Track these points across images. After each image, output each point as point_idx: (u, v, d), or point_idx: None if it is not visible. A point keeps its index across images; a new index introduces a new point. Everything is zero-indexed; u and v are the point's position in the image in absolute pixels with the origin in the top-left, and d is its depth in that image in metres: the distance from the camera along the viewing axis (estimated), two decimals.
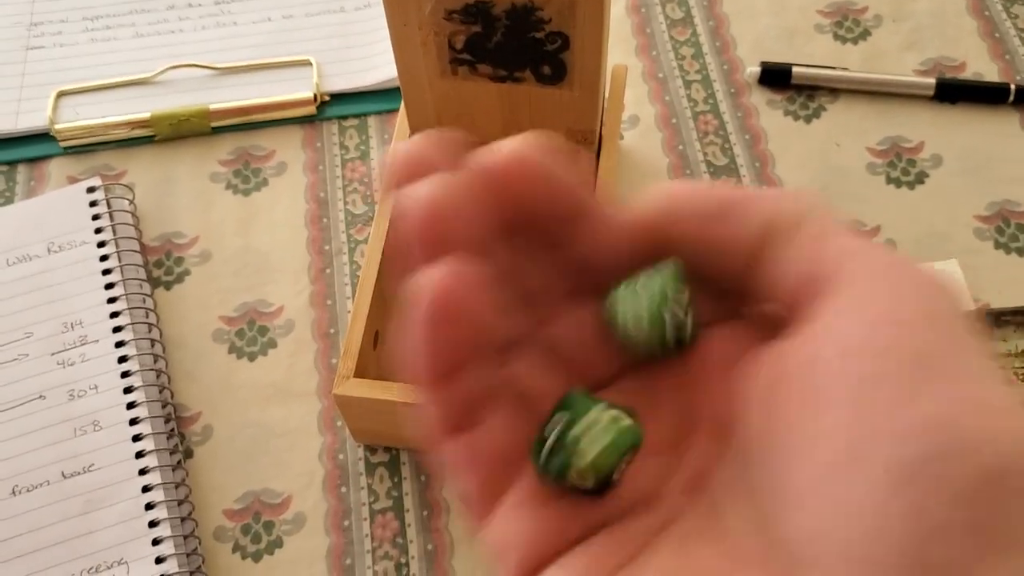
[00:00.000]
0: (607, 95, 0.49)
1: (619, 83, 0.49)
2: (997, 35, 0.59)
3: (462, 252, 0.20)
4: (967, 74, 0.58)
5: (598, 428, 0.21)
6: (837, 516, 0.18)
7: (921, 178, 0.54)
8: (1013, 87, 0.56)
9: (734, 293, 0.23)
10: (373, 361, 0.45)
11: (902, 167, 0.55)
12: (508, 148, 0.22)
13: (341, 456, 0.48)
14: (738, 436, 0.21)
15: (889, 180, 0.54)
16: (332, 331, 0.51)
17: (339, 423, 0.49)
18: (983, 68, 0.58)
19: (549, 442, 0.21)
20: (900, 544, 0.17)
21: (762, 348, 0.21)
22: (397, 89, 0.57)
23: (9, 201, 0.55)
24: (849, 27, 0.59)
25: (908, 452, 0.17)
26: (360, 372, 0.43)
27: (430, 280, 0.20)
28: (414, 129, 0.46)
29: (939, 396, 0.18)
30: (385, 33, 0.59)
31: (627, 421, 0.21)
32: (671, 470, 0.22)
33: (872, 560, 0.17)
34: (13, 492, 0.45)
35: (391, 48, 0.58)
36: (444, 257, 0.20)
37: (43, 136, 0.57)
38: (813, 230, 0.21)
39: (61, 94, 0.57)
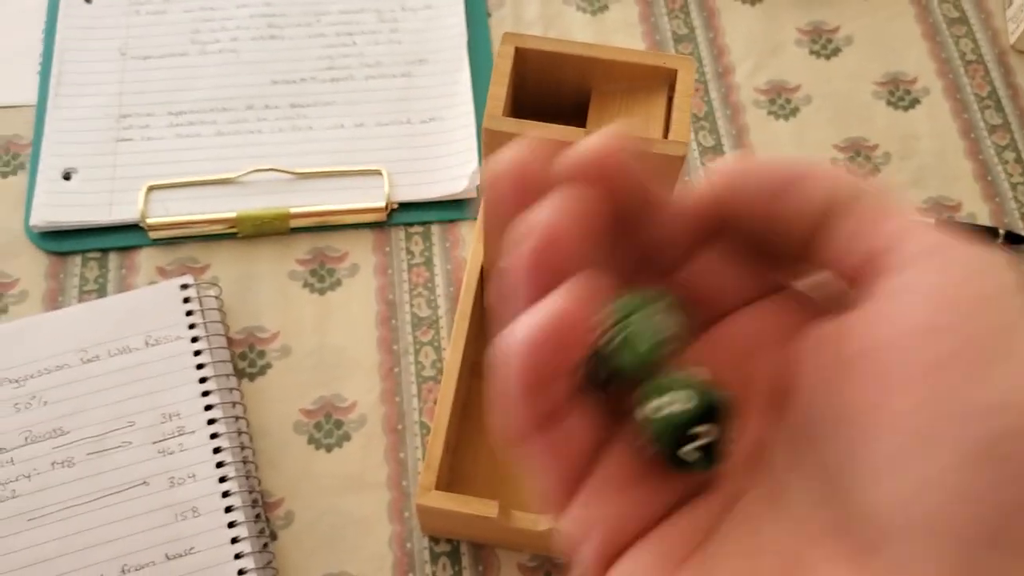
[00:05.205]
0: None
1: None
2: (989, 178, 0.66)
3: (577, 275, 0.20)
4: (963, 213, 0.65)
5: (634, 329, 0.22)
6: (918, 491, 0.19)
7: None
8: (1002, 231, 0.63)
9: (786, 266, 0.24)
10: (445, 470, 0.51)
11: None
12: (595, 144, 0.22)
13: (408, 544, 0.54)
14: (797, 412, 0.22)
15: None
16: (400, 427, 0.57)
17: (406, 514, 0.55)
18: (977, 208, 0.65)
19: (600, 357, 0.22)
20: (982, 518, 0.18)
21: (817, 324, 0.22)
22: (458, 201, 0.63)
23: (102, 288, 0.61)
24: (861, 162, 0.67)
25: (980, 432, 0.18)
26: (438, 483, 0.50)
27: (548, 308, 0.20)
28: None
29: (1004, 378, 0.19)
30: (447, 148, 0.66)
31: (658, 317, 0.22)
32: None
33: (954, 533, 0.18)
34: (123, 571, 0.51)
35: (452, 165, 0.65)
36: (561, 282, 0.20)
37: (133, 227, 0.62)
38: (871, 206, 0.22)
39: (151, 188, 0.63)
